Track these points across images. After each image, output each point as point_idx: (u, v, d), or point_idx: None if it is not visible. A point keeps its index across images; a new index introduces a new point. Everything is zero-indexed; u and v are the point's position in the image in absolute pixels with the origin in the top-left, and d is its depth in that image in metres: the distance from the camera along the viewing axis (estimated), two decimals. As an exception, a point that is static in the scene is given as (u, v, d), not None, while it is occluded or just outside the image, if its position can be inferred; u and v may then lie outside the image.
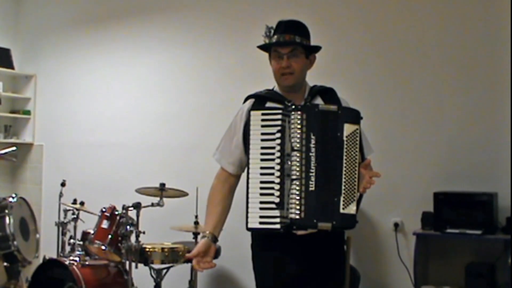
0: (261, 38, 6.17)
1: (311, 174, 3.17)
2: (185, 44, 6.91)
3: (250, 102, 3.58)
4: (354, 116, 3.29)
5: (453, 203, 5.10)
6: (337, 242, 3.58)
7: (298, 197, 3.14)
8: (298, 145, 3.18)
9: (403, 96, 5.67)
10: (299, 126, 3.20)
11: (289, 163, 3.18)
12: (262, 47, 3.62)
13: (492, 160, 5.27)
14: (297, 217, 3.14)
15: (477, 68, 5.38)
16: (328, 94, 3.57)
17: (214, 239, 3.47)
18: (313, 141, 3.19)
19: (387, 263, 5.67)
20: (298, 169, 3.17)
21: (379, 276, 5.73)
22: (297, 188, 3.15)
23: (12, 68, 7.99)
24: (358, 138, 3.25)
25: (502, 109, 5.21)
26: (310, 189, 3.16)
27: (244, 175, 3.46)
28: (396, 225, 5.59)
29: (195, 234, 5.45)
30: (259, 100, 3.55)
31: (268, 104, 3.49)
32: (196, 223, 5.48)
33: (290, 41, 3.45)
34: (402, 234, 5.60)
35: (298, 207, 3.14)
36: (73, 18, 7.81)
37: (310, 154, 3.18)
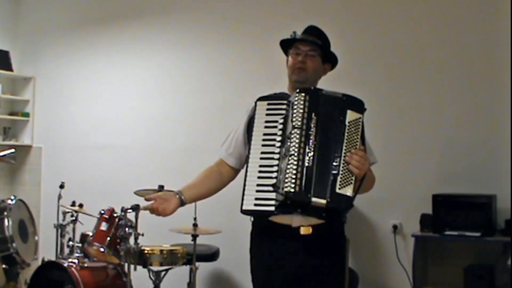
0: (262, 41, 6.20)
1: (308, 151, 3.15)
2: (184, 47, 6.92)
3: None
4: (358, 105, 3.32)
5: (452, 205, 5.11)
6: (337, 242, 3.57)
7: (294, 171, 3.11)
8: (299, 123, 3.17)
9: (401, 97, 5.68)
10: (301, 106, 3.19)
11: (289, 142, 3.18)
12: (284, 41, 3.68)
13: (491, 162, 5.28)
14: (292, 190, 3.10)
15: (475, 69, 5.39)
16: None
17: (180, 195, 3.54)
18: (313, 121, 3.18)
19: (386, 265, 5.67)
20: (296, 145, 3.15)
21: (378, 278, 5.73)
22: (294, 163, 3.12)
23: (11, 70, 7.99)
24: (360, 127, 3.25)
25: (501, 111, 5.22)
26: (307, 164, 3.13)
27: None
28: (395, 227, 5.60)
29: (194, 236, 5.45)
30: (269, 99, 3.54)
31: None
32: (195, 225, 5.48)
33: (312, 41, 3.58)
34: (401, 236, 5.60)
35: (293, 181, 3.10)
36: (72, 20, 7.81)
37: (310, 132, 3.17)
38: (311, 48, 3.58)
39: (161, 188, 5.42)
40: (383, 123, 5.62)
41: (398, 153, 5.63)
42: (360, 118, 3.27)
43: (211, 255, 5.94)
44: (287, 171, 3.13)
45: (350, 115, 3.24)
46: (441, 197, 5.14)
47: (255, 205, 3.22)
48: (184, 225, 5.61)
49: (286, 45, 3.69)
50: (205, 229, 5.56)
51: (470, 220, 4.98)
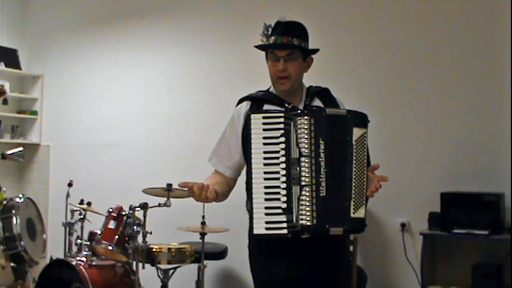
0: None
1: (321, 179, 3.11)
2: (192, 44, 6.92)
3: (247, 104, 3.50)
4: (362, 120, 3.25)
5: (460, 204, 5.11)
6: (338, 243, 3.53)
7: (309, 203, 3.08)
8: (307, 151, 3.11)
9: (410, 96, 5.67)
10: (306, 131, 3.12)
11: (298, 169, 3.11)
12: (259, 48, 3.54)
13: (499, 160, 5.27)
14: (309, 223, 3.08)
15: (485, 69, 5.38)
16: (325, 95, 3.52)
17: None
18: (322, 146, 3.12)
19: (394, 264, 5.67)
20: (308, 175, 3.10)
21: (386, 277, 5.73)
22: (308, 194, 3.09)
23: (19, 68, 8.01)
24: (366, 142, 3.22)
25: (510, 110, 5.21)
26: (321, 194, 3.10)
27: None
28: (403, 225, 5.59)
29: (202, 235, 5.45)
30: (256, 103, 3.48)
31: (266, 107, 3.44)
32: (203, 223, 5.49)
33: (287, 44, 3.37)
34: (409, 235, 5.60)
35: (309, 213, 3.08)
36: (80, 18, 7.83)
37: (320, 159, 3.12)
38: (289, 52, 3.37)
39: (169, 186, 5.42)
40: (391, 121, 5.61)
41: (406, 151, 5.62)
42: (365, 133, 3.23)
43: (219, 253, 5.94)
44: (301, 202, 3.10)
45: (356, 132, 3.19)
46: (449, 195, 5.14)
47: (267, 229, 3.12)
48: (192, 223, 5.62)
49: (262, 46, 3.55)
50: (213, 227, 5.57)
51: (478, 218, 4.97)
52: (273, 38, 3.41)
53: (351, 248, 4.96)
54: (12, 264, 5.95)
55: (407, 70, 5.71)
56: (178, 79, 7.02)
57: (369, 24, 5.92)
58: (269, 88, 3.58)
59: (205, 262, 5.54)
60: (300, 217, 3.09)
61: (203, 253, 5.49)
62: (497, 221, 4.95)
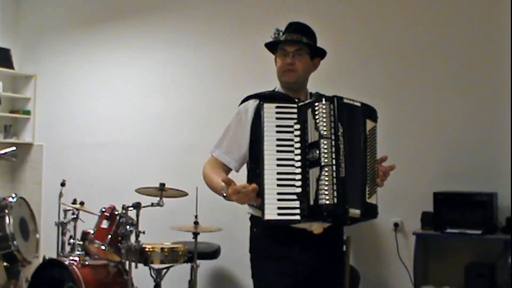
0: (262, 38, 6.18)
1: (340, 161, 3.11)
2: (185, 44, 6.91)
3: (255, 101, 3.52)
4: (374, 114, 3.40)
5: (453, 203, 5.10)
6: (337, 243, 3.56)
7: (328, 183, 3.06)
8: (326, 133, 3.11)
9: (403, 96, 5.67)
10: (325, 115, 3.14)
11: (317, 151, 3.11)
12: (269, 44, 3.66)
13: (492, 160, 5.28)
14: (329, 202, 3.04)
15: (477, 69, 5.38)
16: None
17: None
18: (341, 130, 3.14)
19: (387, 263, 5.67)
20: (326, 155, 3.09)
21: (379, 276, 5.73)
22: (328, 174, 3.07)
23: (12, 68, 7.98)
24: (376, 135, 3.33)
25: (502, 110, 5.22)
26: (341, 175, 3.09)
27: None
28: (396, 225, 5.59)
29: (195, 234, 5.45)
30: (264, 99, 3.47)
31: None
32: (196, 223, 5.48)
33: (297, 40, 3.52)
34: (402, 234, 5.60)
35: (329, 193, 3.05)
36: (73, 18, 7.81)
37: (339, 142, 3.13)
38: (298, 48, 3.53)
39: (162, 186, 5.43)
40: (384, 121, 5.58)
41: (399, 151, 5.62)
42: (375, 126, 3.34)
43: (212, 253, 5.94)
44: (321, 182, 3.08)
45: (369, 124, 3.29)
46: (442, 195, 5.14)
47: (279, 214, 3.10)
48: (185, 223, 5.61)
49: (272, 45, 3.66)
50: (206, 227, 5.56)
51: (471, 218, 4.97)
52: (284, 36, 3.58)
53: (344, 247, 4.96)
54: (5, 263, 5.94)
55: (399, 70, 5.71)
56: (171, 79, 7.01)
57: (362, 25, 5.92)
58: (274, 89, 3.66)
59: (198, 261, 5.54)
60: (320, 197, 3.07)
61: (196, 253, 5.48)
62: (490, 220, 4.95)
